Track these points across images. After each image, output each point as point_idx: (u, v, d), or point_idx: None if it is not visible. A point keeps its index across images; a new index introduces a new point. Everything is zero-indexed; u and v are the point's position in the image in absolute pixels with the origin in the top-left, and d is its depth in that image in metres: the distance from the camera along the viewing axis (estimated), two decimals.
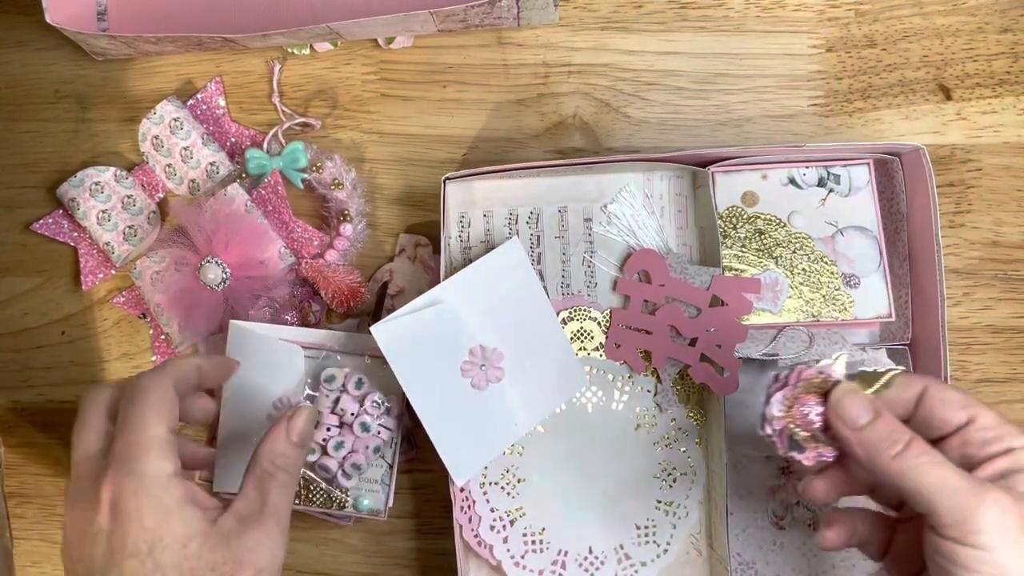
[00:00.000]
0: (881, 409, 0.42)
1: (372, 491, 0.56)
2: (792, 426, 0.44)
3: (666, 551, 0.55)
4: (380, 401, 0.55)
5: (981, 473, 0.40)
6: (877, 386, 0.43)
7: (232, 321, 0.55)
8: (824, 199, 0.56)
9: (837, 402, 0.42)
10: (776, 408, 0.44)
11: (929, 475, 0.39)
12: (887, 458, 0.40)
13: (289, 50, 0.61)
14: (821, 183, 0.57)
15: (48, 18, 0.56)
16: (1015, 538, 0.38)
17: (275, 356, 0.56)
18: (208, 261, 0.55)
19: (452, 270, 0.54)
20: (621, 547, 0.55)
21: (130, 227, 0.59)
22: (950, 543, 0.38)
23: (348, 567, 0.59)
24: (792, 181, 0.57)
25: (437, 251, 0.59)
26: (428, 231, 0.60)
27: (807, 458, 0.44)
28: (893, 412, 0.43)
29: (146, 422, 0.42)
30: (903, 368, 0.46)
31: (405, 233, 0.60)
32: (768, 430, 0.44)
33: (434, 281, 0.58)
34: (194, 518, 0.41)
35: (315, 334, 0.57)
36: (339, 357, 0.57)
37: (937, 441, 0.42)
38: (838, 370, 0.44)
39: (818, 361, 0.44)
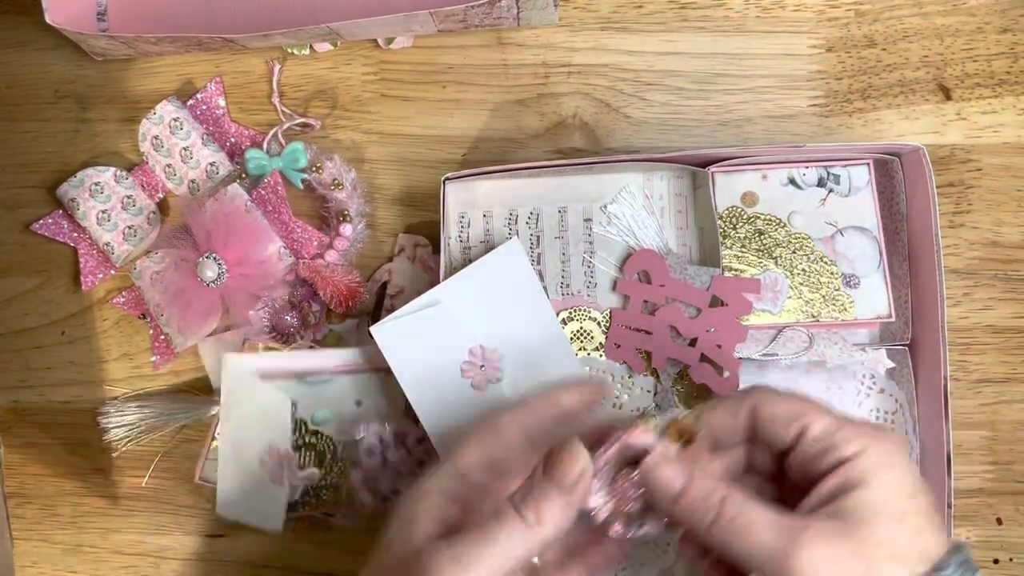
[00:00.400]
0: (693, 473, 0.39)
1: None
2: (623, 507, 0.41)
3: (666, 551, 0.55)
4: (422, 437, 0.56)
5: (810, 501, 0.37)
6: (686, 434, 0.40)
7: (225, 357, 0.54)
8: (824, 199, 0.56)
9: (646, 477, 0.40)
10: (598, 501, 0.40)
11: (742, 541, 0.36)
12: (704, 527, 0.38)
13: (289, 50, 0.61)
14: (821, 183, 0.57)
15: (48, 18, 0.56)
16: None
17: (264, 403, 0.55)
18: (206, 257, 0.55)
19: (452, 270, 0.54)
20: None
21: (130, 227, 0.59)
22: None
23: (349, 567, 0.59)
24: (792, 181, 0.57)
25: (436, 251, 0.59)
26: (428, 231, 0.60)
27: (655, 528, 0.41)
28: (734, 438, 0.41)
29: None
30: (718, 399, 0.43)
31: (404, 233, 0.60)
32: (601, 520, 0.41)
33: (434, 281, 0.58)
34: None
35: (315, 357, 0.56)
36: (363, 425, 0.56)
37: (786, 453, 0.40)
38: (642, 438, 0.40)
39: (621, 429, 0.41)
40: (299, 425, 0.56)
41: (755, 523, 0.37)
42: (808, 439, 0.39)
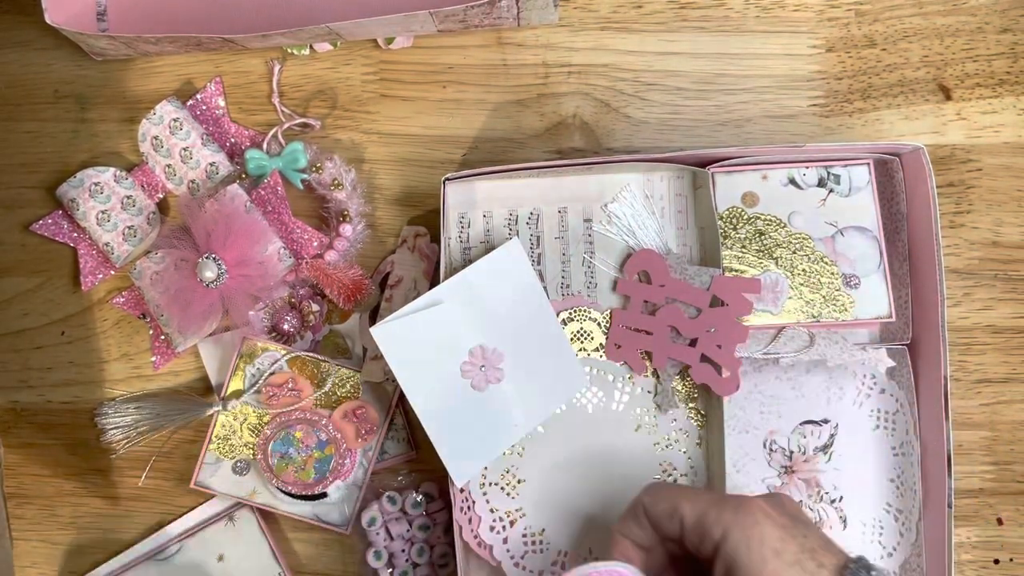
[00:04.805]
0: None
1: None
2: None
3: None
4: (419, 500, 0.57)
5: None
6: None
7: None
8: (824, 199, 0.56)
9: None
10: None
11: None
12: None
13: (289, 50, 0.61)
14: (821, 183, 0.57)
15: (48, 18, 0.56)
16: None
17: None
18: (206, 258, 0.55)
19: (452, 270, 0.54)
20: None
21: (130, 227, 0.59)
22: None
23: (348, 567, 0.59)
24: (792, 181, 0.57)
25: (435, 240, 0.59)
26: (428, 226, 0.60)
27: None
28: (651, 540, 0.45)
29: None
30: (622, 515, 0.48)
31: (408, 225, 0.60)
32: None
33: (429, 270, 0.58)
34: None
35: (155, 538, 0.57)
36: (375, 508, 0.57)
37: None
38: None
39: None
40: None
41: None
42: (687, 530, 0.44)
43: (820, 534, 0.43)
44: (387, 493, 0.57)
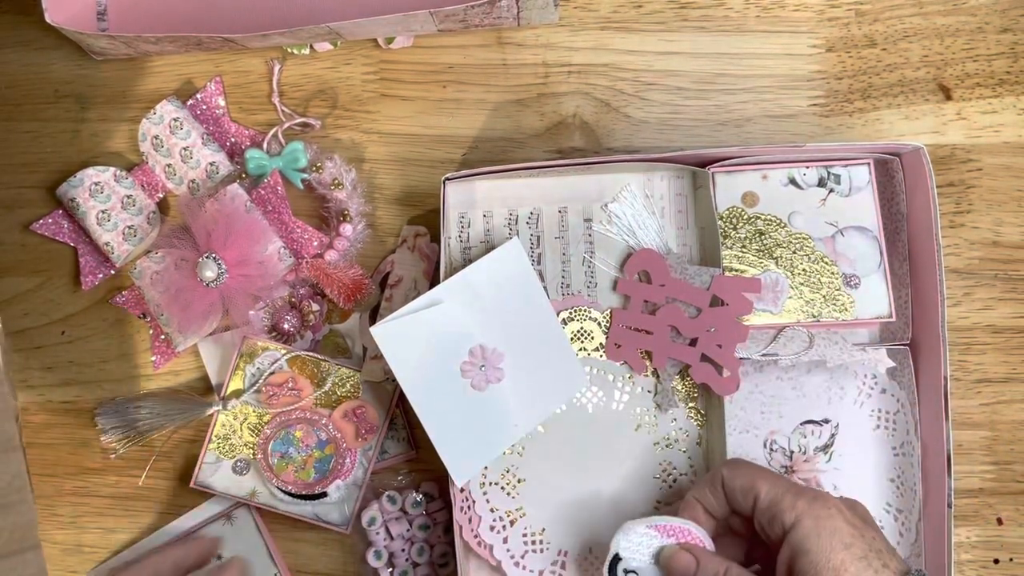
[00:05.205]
0: (700, 554, 0.46)
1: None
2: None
3: None
4: (419, 500, 0.57)
5: (778, 570, 0.44)
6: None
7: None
8: (824, 199, 0.56)
9: (666, 565, 0.47)
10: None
11: None
12: None
13: (289, 50, 0.61)
14: (821, 183, 0.57)
15: (48, 18, 0.56)
16: None
17: None
18: (206, 258, 0.55)
19: (452, 270, 0.54)
20: None
21: (130, 227, 0.59)
22: None
23: (348, 567, 0.59)
24: (792, 181, 0.57)
25: (435, 240, 0.59)
26: (428, 226, 0.60)
27: None
28: (722, 509, 0.47)
29: None
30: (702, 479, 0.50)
31: (408, 224, 0.60)
32: None
33: (429, 270, 0.58)
34: None
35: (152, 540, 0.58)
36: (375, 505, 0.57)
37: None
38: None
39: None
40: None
41: None
42: (759, 508, 0.45)
43: (886, 541, 0.45)
44: (387, 493, 0.57)
